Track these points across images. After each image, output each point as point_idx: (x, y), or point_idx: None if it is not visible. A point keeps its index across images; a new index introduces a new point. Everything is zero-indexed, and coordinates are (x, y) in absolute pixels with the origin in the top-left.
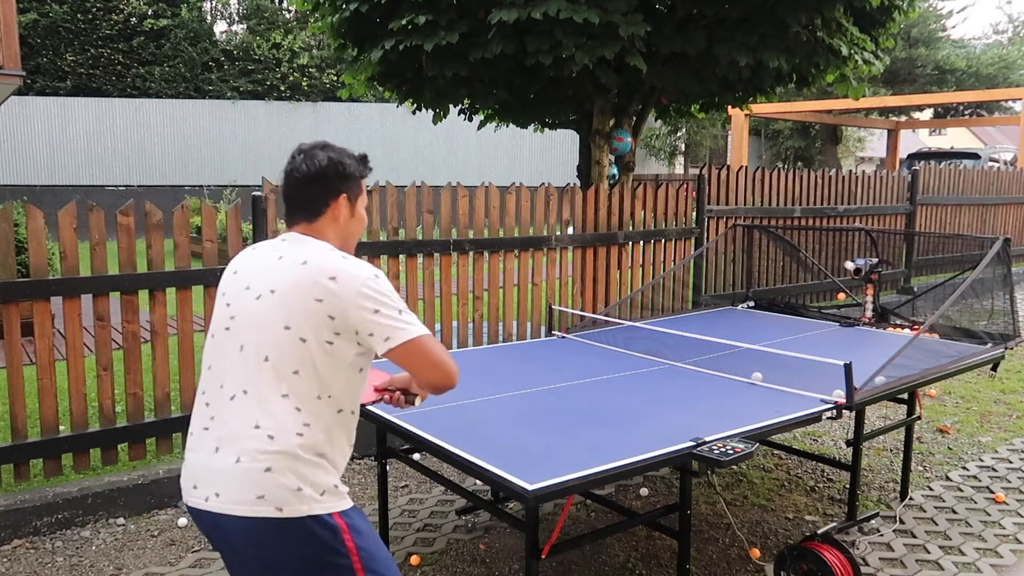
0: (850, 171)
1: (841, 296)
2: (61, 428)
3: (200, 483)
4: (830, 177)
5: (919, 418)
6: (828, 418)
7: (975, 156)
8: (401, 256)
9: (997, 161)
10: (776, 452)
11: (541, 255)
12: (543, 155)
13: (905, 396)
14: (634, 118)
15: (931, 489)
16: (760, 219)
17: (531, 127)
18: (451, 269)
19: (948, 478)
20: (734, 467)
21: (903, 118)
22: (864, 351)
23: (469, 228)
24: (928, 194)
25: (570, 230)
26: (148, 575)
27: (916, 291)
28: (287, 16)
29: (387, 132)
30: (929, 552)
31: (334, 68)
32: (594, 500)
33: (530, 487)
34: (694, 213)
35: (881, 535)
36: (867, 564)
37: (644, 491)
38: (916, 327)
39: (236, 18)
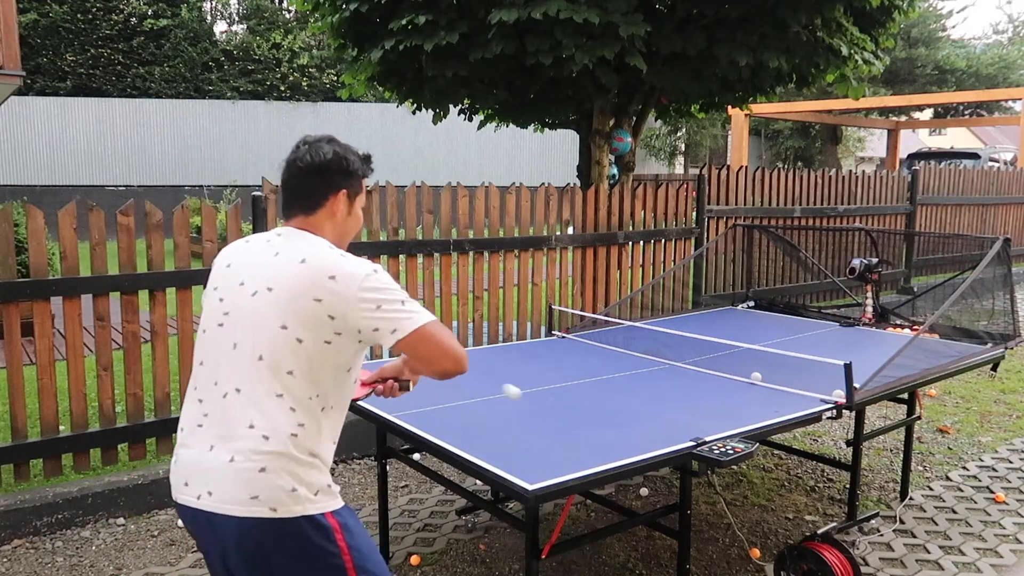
0: (850, 171)
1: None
2: (61, 428)
3: (192, 480)
4: (830, 177)
5: (919, 418)
6: (828, 418)
7: (975, 156)
8: (401, 256)
9: (997, 161)
10: (776, 452)
11: (541, 255)
12: (543, 155)
13: (905, 396)
14: (634, 118)
15: (931, 489)
16: (760, 219)
17: (531, 127)
18: (451, 269)
19: (948, 478)
20: (734, 467)
21: (903, 118)
22: (864, 351)
23: (469, 228)
24: (928, 194)
25: (570, 230)
26: (148, 575)
27: (916, 291)
28: (287, 16)
29: (387, 132)
30: (929, 552)
31: (334, 68)
32: (594, 500)
33: (530, 487)
34: (694, 213)
35: (881, 535)
36: (867, 564)
37: (644, 491)
38: (916, 327)
39: (236, 18)
